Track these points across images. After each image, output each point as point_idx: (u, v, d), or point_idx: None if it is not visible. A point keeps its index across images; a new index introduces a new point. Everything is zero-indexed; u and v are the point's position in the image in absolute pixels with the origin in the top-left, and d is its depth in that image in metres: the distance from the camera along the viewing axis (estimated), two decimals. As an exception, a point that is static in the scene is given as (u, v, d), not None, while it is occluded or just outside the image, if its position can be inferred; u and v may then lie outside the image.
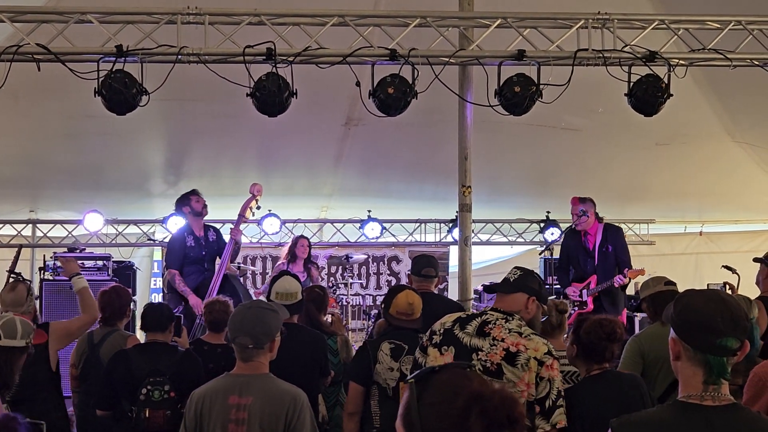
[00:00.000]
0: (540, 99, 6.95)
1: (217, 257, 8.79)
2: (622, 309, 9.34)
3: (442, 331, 4.20)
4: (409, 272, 6.78)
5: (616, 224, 9.54)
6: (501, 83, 6.94)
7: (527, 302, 4.21)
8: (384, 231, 12.92)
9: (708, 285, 8.97)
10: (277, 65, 6.73)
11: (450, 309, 5.32)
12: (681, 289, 4.98)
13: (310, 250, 10.68)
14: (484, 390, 1.96)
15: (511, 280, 4.28)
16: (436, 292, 6.96)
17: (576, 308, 8.98)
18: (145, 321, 5.74)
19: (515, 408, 1.94)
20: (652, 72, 7.03)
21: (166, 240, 10.66)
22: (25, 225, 12.43)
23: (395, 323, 5.24)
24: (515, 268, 4.37)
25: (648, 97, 7.01)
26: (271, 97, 6.72)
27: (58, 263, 7.44)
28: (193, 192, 8.95)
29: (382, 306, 5.48)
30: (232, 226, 8.77)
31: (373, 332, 6.98)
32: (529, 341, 4.04)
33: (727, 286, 8.36)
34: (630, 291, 11.51)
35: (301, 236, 10.92)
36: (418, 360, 4.28)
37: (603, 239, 8.93)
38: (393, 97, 6.81)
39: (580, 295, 8.89)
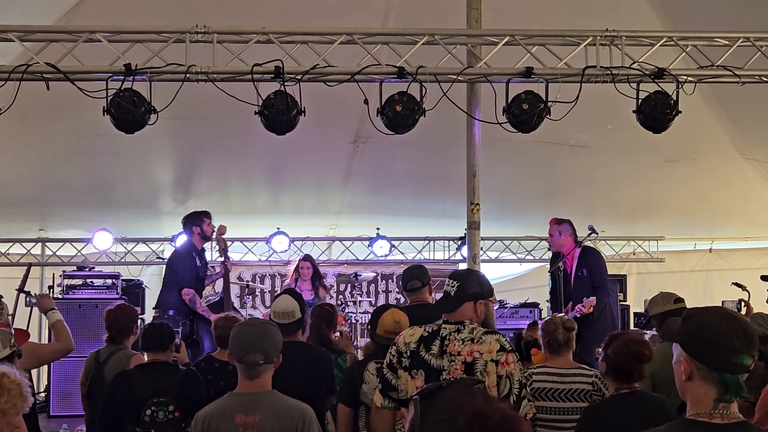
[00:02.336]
0: (548, 116, 6.94)
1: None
2: (604, 334, 9.15)
3: (409, 354, 4.15)
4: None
5: (593, 247, 9.23)
6: (509, 100, 6.95)
7: (475, 308, 4.18)
8: (393, 249, 12.92)
9: (723, 302, 8.88)
10: (286, 83, 6.74)
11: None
12: (690, 306, 4.95)
13: (316, 270, 10.56)
14: (487, 408, 1.95)
15: (452, 294, 4.21)
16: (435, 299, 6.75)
17: None
18: (146, 341, 5.70)
19: (517, 426, 1.93)
20: (660, 89, 7.02)
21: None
22: (34, 244, 12.47)
23: (383, 342, 5.15)
24: (450, 278, 4.29)
25: (657, 113, 7.00)
26: (280, 115, 6.72)
27: (34, 299, 7.52)
28: (207, 215, 8.86)
29: (369, 327, 5.41)
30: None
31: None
32: (482, 344, 4.01)
33: (743, 304, 8.30)
34: (639, 308, 11.48)
35: (305, 258, 10.72)
36: (390, 381, 4.20)
37: (579, 264, 8.48)
38: (401, 115, 6.81)
39: None
